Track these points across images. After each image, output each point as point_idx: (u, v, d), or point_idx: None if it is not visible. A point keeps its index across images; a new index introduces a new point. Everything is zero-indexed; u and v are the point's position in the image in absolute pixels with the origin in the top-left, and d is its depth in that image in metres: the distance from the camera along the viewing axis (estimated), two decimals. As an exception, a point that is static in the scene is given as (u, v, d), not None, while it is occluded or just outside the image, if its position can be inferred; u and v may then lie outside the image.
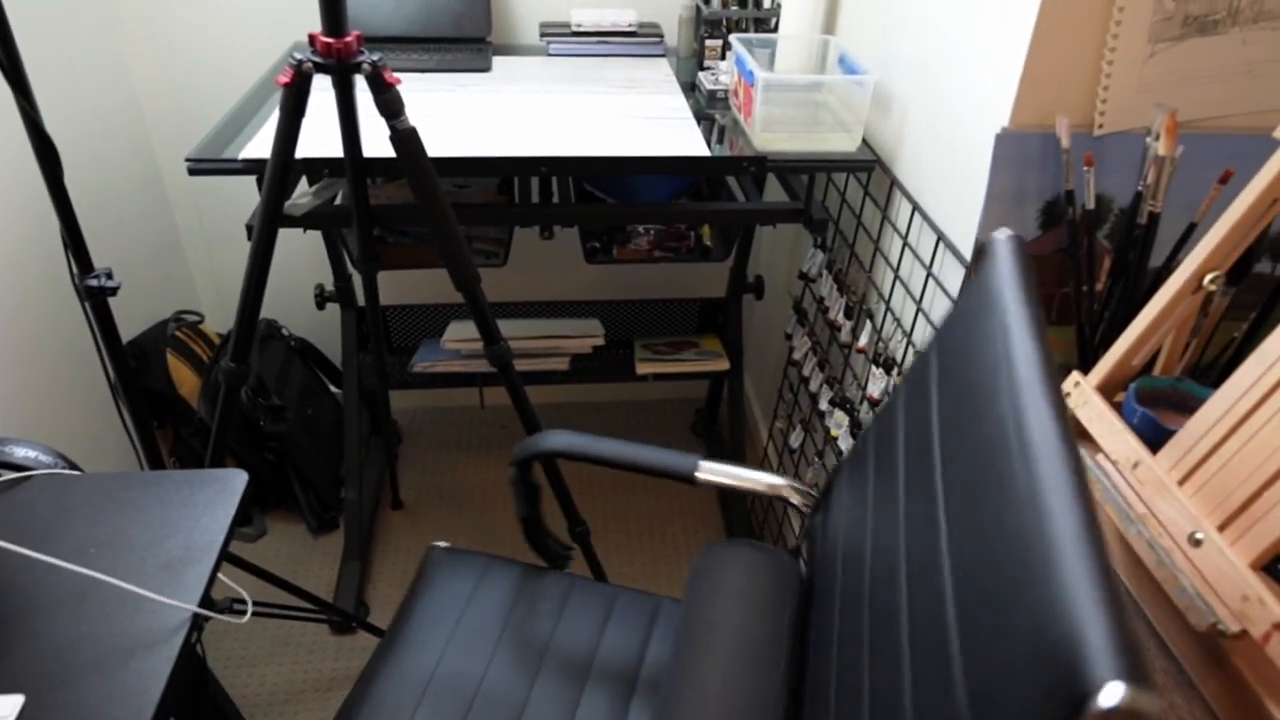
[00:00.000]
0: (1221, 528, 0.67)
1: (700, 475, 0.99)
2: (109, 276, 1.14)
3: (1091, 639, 0.40)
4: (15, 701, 0.71)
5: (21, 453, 0.93)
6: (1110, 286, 0.97)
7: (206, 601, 0.80)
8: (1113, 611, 0.41)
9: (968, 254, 1.08)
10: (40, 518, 0.87)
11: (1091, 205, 0.95)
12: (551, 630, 1.08)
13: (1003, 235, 0.69)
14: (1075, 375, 0.88)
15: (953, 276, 1.13)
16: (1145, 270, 0.94)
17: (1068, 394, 0.88)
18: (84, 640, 0.76)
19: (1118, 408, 0.84)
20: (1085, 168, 0.94)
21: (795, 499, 0.98)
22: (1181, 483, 0.72)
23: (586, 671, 1.04)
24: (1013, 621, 0.46)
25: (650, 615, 1.12)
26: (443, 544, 1.21)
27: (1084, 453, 0.84)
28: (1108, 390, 0.86)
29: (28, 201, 1.50)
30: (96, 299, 1.15)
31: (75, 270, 1.13)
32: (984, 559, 0.52)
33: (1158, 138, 0.90)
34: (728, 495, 2.02)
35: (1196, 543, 0.68)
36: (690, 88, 1.58)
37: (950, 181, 1.15)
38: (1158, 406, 0.85)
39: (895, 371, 1.26)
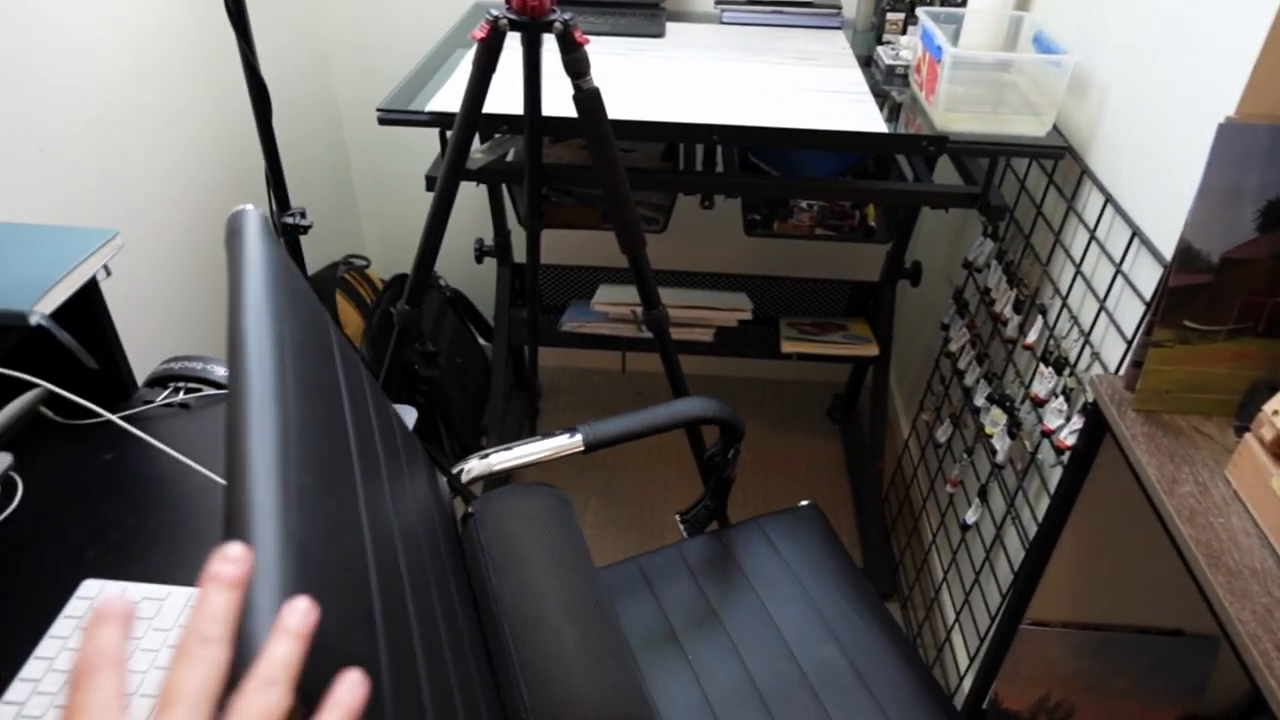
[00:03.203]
0: None
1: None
2: (303, 215, 1.22)
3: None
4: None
5: (222, 371, 1.01)
6: (1335, 299, 0.89)
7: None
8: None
9: (1167, 253, 1.00)
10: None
11: (1324, 208, 0.86)
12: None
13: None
14: (1288, 391, 0.81)
15: (1146, 276, 1.05)
16: (1381, 284, 0.85)
17: (1276, 412, 0.81)
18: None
19: (1338, 431, 0.77)
20: (1321, 166, 0.85)
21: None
22: None
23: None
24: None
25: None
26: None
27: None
28: (1327, 411, 0.79)
29: (228, 143, 1.61)
30: (290, 236, 1.23)
31: (274, 207, 1.21)
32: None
33: None
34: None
35: None
36: (866, 62, 1.53)
37: (1153, 174, 1.07)
38: (1386, 434, 0.77)
39: (1067, 371, 1.20)
